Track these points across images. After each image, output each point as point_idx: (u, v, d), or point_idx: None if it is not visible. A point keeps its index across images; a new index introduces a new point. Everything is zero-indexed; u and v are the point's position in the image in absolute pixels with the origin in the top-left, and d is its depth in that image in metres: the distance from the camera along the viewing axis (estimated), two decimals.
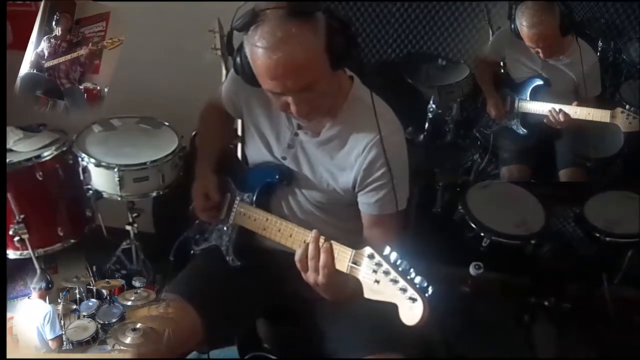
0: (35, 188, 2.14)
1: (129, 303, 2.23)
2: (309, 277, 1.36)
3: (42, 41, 2.24)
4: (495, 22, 2.47)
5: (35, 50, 2.25)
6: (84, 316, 2.19)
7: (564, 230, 2.40)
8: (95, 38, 2.26)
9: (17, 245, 2.17)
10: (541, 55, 2.31)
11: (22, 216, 2.12)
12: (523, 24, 2.23)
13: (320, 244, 1.33)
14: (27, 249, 2.19)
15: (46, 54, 2.26)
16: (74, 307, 2.24)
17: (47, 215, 2.24)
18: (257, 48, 1.29)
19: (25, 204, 2.13)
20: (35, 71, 2.28)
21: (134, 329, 2.05)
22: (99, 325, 2.15)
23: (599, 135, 2.29)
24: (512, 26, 2.30)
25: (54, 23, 2.25)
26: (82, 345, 2.09)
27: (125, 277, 2.39)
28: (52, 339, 2.07)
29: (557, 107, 2.25)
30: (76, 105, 2.33)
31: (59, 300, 2.23)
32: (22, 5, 2.43)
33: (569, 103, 2.24)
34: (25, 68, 2.25)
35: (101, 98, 2.32)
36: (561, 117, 2.24)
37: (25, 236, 2.14)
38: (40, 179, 2.13)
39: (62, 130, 2.27)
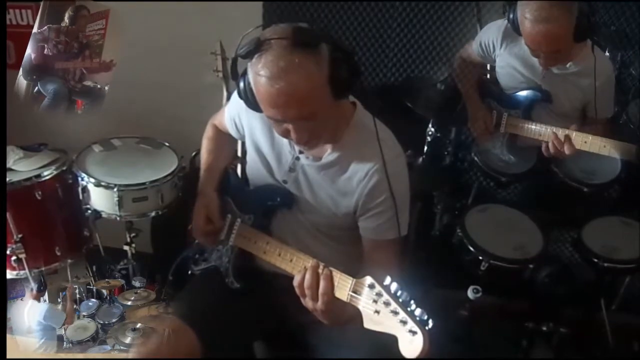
0: (34, 208, 2.14)
1: (129, 303, 2.24)
2: (308, 303, 1.36)
3: (48, 29, 2.15)
4: (486, 21, 2.21)
5: (38, 39, 2.17)
6: (84, 316, 2.20)
7: (561, 254, 2.40)
8: (96, 36, 2.24)
9: (14, 265, 2.16)
10: (542, 62, 1.90)
11: (20, 236, 2.11)
12: (526, 17, 1.77)
13: (320, 271, 1.33)
14: (24, 269, 2.18)
15: (55, 51, 2.20)
16: (74, 307, 2.23)
17: (45, 234, 2.23)
18: (259, 77, 1.30)
19: (23, 224, 2.12)
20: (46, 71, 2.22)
21: (134, 329, 2.07)
22: (99, 325, 2.15)
23: (596, 160, 2.25)
24: (511, 17, 1.87)
25: (67, 19, 2.18)
26: (82, 345, 2.08)
27: (125, 277, 2.38)
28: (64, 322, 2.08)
29: (561, 131, 1.84)
30: (93, 105, 2.30)
31: (59, 300, 2.23)
32: (25, 27, 2.44)
33: (574, 124, 1.88)
34: (29, 62, 2.19)
35: (102, 95, 2.30)
36: (566, 148, 1.84)
37: (23, 256, 2.14)
38: (39, 198, 2.13)
39: (62, 149, 2.28)
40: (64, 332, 2.10)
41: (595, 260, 2.03)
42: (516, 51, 2.01)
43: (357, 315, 1.25)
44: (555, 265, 2.16)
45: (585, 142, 1.84)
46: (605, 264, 2.01)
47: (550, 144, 1.90)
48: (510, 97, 2.07)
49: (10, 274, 2.21)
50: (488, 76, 2.19)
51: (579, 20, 1.76)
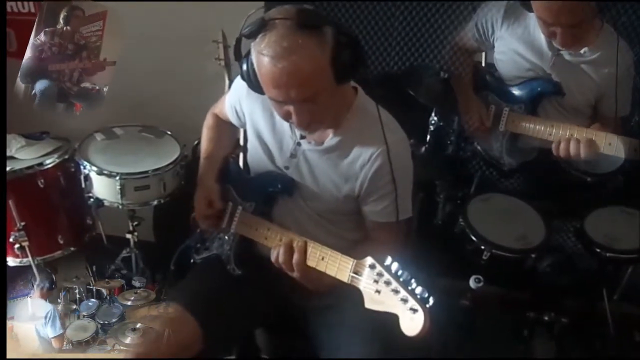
0: (36, 196, 2.15)
1: (129, 303, 2.26)
2: (288, 273, 1.45)
3: (43, 34, 2.17)
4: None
5: (36, 46, 2.19)
6: (84, 316, 2.21)
7: (564, 244, 2.38)
8: (93, 38, 2.25)
9: (17, 252, 2.17)
10: (559, 40, 1.64)
11: (22, 224, 2.12)
12: None
13: (294, 245, 1.41)
14: (27, 257, 2.19)
15: (49, 53, 2.21)
16: (74, 307, 2.25)
17: (47, 223, 2.24)
18: (263, 56, 1.31)
19: (26, 212, 2.13)
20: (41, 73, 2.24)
21: (134, 329, 2.09)
22: (99, 325, 2.17)
23: None
24: None
25: (62, 20, 2.20)
26: (82, 345, 2.10)
27: (126, 277, 2.39)
28: (55, 338, 2.08)
29: (577, 132, 1.62)
30: (91, 107, 2.31)
31: (59, 300, 2.25)
32: (26, 14, 2.44)
33: (586, 122, 1.71)
34: (26, 67, 2.21)
35: (101, 97, 2.31)
36: (582, 151, 1.64)
37: (26, 243, 2.15)
38: (41, 186, 2.14)
39: (64, 138, 2.29)
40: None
41: (598, 250, 2.01)
42: (520, 32, 1.80)
43: (337, 280, 1.32)
44: (557, 255, 2.13)
45: (610, 144, 1.62)
46: (608, 254, 1.99)
47: (562, 146, 1.71)
48: (512, 89, 1.86)
49: (13, 262, 2.23)
50: (483, 64, 2.01)
51: None
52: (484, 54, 2.05)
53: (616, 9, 1.96)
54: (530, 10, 1.70)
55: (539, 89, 1.83)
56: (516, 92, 1.88)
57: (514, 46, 1.85)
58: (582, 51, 1.73)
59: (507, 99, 1.88)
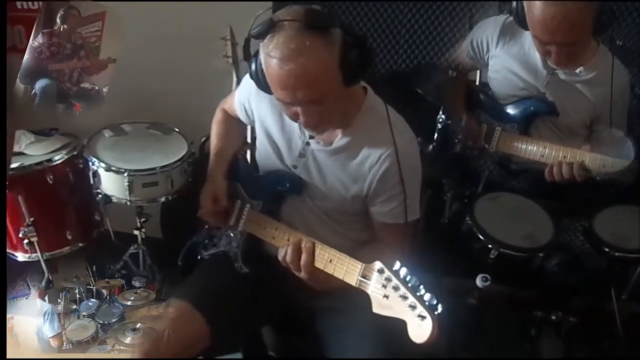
0: (45, 191, 2.17)
1: (129, 303, 2.28)
2: (295, 273, 1.43)
3: (41, 35, 2.18)
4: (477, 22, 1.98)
5: (35, 48, 2.21)
6: (83, 316, 2.24)
7: (572, 243, 2.37)
8: (92, 38, 2.26)
9: (26, 248, 2.19)
10: (553, 58, 1.63)
11: (31, 219, 2.14)
12: None
13: (303, 245, 1.40)
14: (35, 252, 2.21)
15: (48, 53, 2.23)
16: (74, 307, 2.27)
17: (56, 218, 2.26)
18: (270, 58, 1.31)
19: (35, 207, 2.15)
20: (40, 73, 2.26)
21: (134, 329, 2.11)
22: (99, 325, 2.19)
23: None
24: (515, 5, 1.61)
25: (58, 19, 2.21)
26: (82, 345, 2.12)
27: (126, 277, 2.41)
28: (53, 337, 2.11)
29: (570, 154, 1.60)
30: (90, 107, 2.33)
31: (59, 300, 2.27)
32: (35, 11, 2.44)
33: (581, 144, 1.65)
34: (25, 68, 2.23)
35: (100, 97, 2.33)
36: (577, 175, 1.61)
37: (35, 239, 2.16)
38: (50, 182, 2.16)
39: (73, 134, 2.30)
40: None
41: (606, 249, 2.00)
42: (515, 51, 1.78)
43: (345, 283, 1.31)
44: (565, 254, 2.12)
45: (604, 166, 1.60)
46: (616, 253, 1.98)
47: (555, 170, 1.69)
48: (505, 108, 1.82)
49: (22, 257, 2.25)
50: (477, 82, 2.00)
51: (600, 10, 1.51)
52: (478, 72, 2.04)
53: (612, 35, 1.90)
54: (526, 28, 1.66)
55: (532, 108, 1.81)
56: (509, 111, 1.85)
57: (508, 64, 1.83)
58: (577, 70, 1.70)
59: (500, 117, 1.84)
